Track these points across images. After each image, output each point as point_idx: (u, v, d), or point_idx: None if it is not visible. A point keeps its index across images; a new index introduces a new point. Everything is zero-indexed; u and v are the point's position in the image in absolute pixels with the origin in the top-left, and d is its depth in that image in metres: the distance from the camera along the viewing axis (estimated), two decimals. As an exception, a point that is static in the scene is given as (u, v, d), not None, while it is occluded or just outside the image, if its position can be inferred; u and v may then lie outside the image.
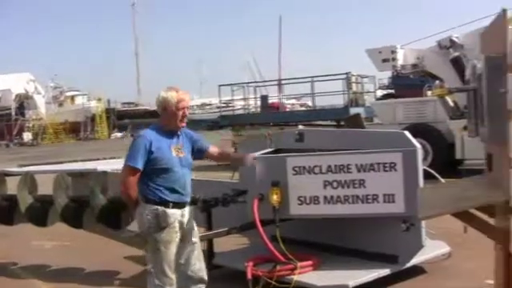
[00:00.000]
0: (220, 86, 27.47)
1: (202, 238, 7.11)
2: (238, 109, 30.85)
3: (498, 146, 3.74)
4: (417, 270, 7.31)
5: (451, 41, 17.75)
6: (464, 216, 3.80)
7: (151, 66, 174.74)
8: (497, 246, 4.36)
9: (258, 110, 27.06)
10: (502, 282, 4.25)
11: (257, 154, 7.20)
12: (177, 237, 5.49)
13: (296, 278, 6.48)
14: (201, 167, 14.48)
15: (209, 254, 7.43)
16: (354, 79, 23.94)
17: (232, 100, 29.87)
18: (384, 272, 6.70)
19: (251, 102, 27.29)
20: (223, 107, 32.32)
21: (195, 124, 48.32)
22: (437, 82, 18.12)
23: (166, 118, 5.53)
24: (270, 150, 7.48)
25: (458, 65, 16.91)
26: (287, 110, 32.27)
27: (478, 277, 6.76)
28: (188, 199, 5.64)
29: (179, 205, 5.50)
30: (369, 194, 6.62)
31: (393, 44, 19.47)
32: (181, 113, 5.47)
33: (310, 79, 24.92)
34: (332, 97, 25.68)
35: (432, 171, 7.73)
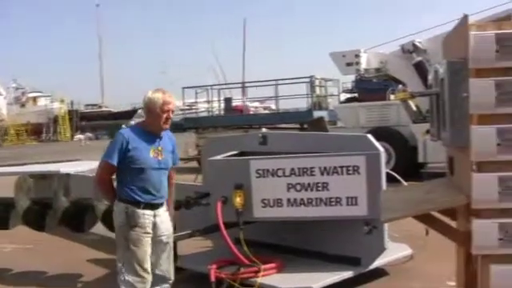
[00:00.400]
0: (184, 88, 27.42)
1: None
2: (202, 111, 30.78)
3: (459, 149, 3.79)
4: (379, 273, 7.37)
5: (414, 45, 17.92)
6: (426, 219, 3.84)
7: (115, 68, 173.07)
8: (458, 248, 4.42)
9: (222, 112, 27.02)
10: (464, 283, 4.30)
11: (220, 156, 7.22)
12: (147, 236, 5.45)
13: (260, 280, 6.48)
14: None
15: (172, 257, 7.40)
16: (317, 83, 24.04)
17: (196, 102, 29.81)
18: (347, 274, 6.74)
19: (215, 104, 27.24)
20: (187, 110, 32.24)
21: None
22: (400, 86, 18.28)
23: (150, 119, 5.51)
24: (234, 152, 7.49)
25: (420, 69, 17.06)
26: (251, 112, 32.25)
27: (440, 278, 6.84)
28: (162, 201, 5.59)
29: (151, 206, 5.47)
30: (332, 197, 6.66)
31: (357, 48, 19.60)
32: (165, 115, 5.42)
33: (273, 82, 24.99)
34: (296, 100, 25.80)
35: (395, 174, 7.79)
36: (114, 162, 5.38)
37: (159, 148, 5.50)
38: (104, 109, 76.46)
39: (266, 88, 27.30)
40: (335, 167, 6.64)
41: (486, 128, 3.32)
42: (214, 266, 6.75)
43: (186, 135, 26.88)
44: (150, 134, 5.50)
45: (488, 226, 3.35)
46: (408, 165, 16.16)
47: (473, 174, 3.36)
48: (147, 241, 5.47)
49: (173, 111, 5.54)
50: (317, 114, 22.18)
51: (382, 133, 16.33)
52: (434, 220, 3.90)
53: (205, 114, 29.24)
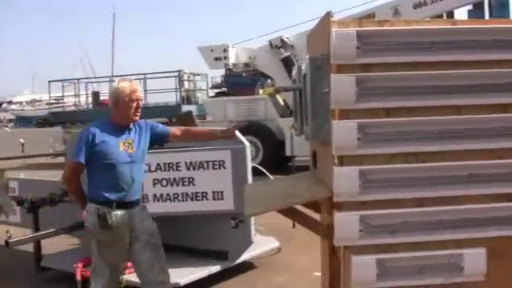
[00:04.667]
0: (50, 81, 26.71)
1: (27, 240, 6.88)
2: (70, 106, 30.10)
3: (321, 144, 3.87)
4: (247, 266, 7.45)
5: (282, 41, 18.23)
6: (290, 212, 3.89)
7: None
8: (322, 240, 4.51)
9: (90, 106, 26.50)
10: (329, 274, 4.41)
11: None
12: (122, 239, 5.05)
13: (126, 277, 6.37)
14: (30, 166, 13.96)
15: (36, 257, 7.18)
16: (186, 77, 24.05)
17: (63, 96, 29.09)
18: (215, 269, 6.78)
19: (83, 98, 26.68)
20: (54, 104, 31.40)
21: (25, 121, 46.59)
22: (268, 80, 18.54)
23: (117, 112, 5.06)
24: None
25: (288, 64, 17.35)
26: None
27: (307, 270, 6.99)
28: (136, 198, 5.15)
29: (125, 204, 5.03)
30: (198, 192, 6.68)
31: (225, 42, 19.69)
32: (134, 104, 5.01)
33: (142, 76, 24.77)
34: (165, 94, 25.67)
35: (261, 168, 7.90)
36: (81, 159, 4.94)
37: (129, 141, 5.07)
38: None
39: (135, 82, 27.02)
40: (201, 162, 6.66)
41: (347, 123, 3.39)
42: (80, 265, 6.59)
43: (52, 130, 26.22)
44: (118, 126, 5.06)
45: (349, 218, 3.42)
46: (276, 158, 16.46)
47: (334, 167, 3.43)
48: (122, 244, 5.08)
49: (141, 100, 5.15)
50: (185, 108, 22.17)
51: (249, 127, 16.53)
52: (297, 213, 3.95)
53: (72, 109, 28.61)
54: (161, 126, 5.48)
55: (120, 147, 5.00)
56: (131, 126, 5.13)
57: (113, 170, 4.95)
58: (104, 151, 4.94)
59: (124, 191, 5.01)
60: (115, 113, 5.09)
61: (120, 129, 5.07)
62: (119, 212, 4.98)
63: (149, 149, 5.32)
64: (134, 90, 5.01)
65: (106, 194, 4.96)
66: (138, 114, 5.09)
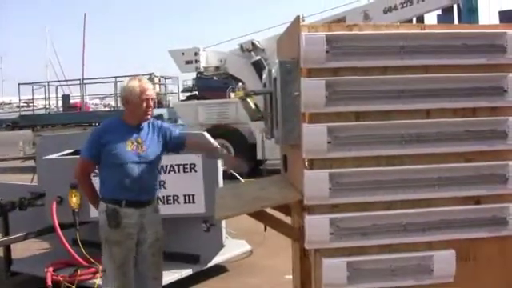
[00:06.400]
0: (20, 84, 26.49)
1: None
2: (40, 108, 29.86)
3: (292, 147, 3.88)
4: (219, 269, 7.45)
5: (253, 44, 18.22)
6: (260, 215, 3.89)
7: None
8: (293, 243, 4.53)
9: (60, 109, 26.32)
10: (299, 276, 4.43)
11: (55, 155, 7.01)
12: (130, 238, 4.96)
13: (98, 281, 6.36)
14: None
15: (6, 261, 7.12)
16: (156, 80, 23.97)
17: (33, 99, 28.88)
18: (186, 272, 6.79)
19: (53, 101, 26.50)
20: (23, 107, 31.15)
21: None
22: (240, 84, 18.54)
23: (129, 112, 4.99)
24: (69, 151, 7.28)
25: (259, 68, 17.34)
26: (91, 110, 31.65)
27: (278, 273, 7.01)
28: (148, 198, 5.07)
29: (135, 204, 4.95)
30: (169, 195, 6.68)
31: (196, 46, 19.65)
32: (145, 104, 4.91)
33: (113, 79, 24.66)
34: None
35: (232, 171, 7.90)
36: (89, 156, 4.94)
37: (138, 140, 4.97)
38: None
39: (107, 85, 26.97)
40: (172, 165, 6.66)
41: (317, 126, 3.41)
42: (51, 269, 6.58)
43: (22, 133, 26.02)
44: (128, 125, 4.99)
45: (319, 221, 3.44)
46: (247, 162, 16.42)
47: (305, 171, 3.44)
48: (129, 243, 4.98)
49: (153, 99, 5.01)
50: (156, 111, 22.08)
51: (220, 130, 16.58)
52: (268, 217, 3.96)
53: (42, 112, 28.39)
54: (177, 131, 5.41)
55: (128, 147, 4.93)
56: (143, 125, 5.06)
57: (121, 170, 4.89)
58: (111, 151, 4.89)
59: (133, 191, 4.94)
60: (127, 113, 5.04)
61: (130, 128, 5.01)
62: (128, 210, 4.94)
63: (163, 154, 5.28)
64: (144, 90, 4.92)
65: (115, 193, 4.93)
66: (150, 113, 5.03)
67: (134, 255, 5.08)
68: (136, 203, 4.98)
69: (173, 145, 5.25)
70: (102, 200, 5.02)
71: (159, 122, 5.27)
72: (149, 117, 5.04)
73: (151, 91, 5.01)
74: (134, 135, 4.99)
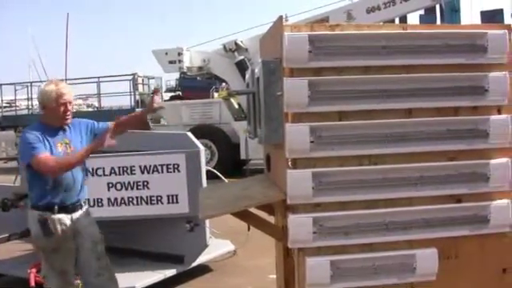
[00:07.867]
0: (2, 84, 26.33)
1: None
2: (22, 109, 29.66)
3: (275, 147, 3.89)
4: (203, 269, 7.45)
5: (236, 44, 18.24)
6: (243, 215, 3.90)
7: None
8: (277, 243, 4.54)
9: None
10: (283, 275, 4.43)
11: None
12: (67, 243, 4.85)
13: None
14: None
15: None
16: (140, 80, 23.92)
17: (15, 100, 28.70)
18: (170, 272, 6.78)
19: (35, 102, 26.31)
20: (6, 107, 30.94)
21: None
22: (223, 84, 18.54)
23: (46, 116, 4.85)
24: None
25: (242, 68, 17.37)
26: (73, 110, 31.49)
27: (262, 272, 7.01)
28: (78, 200, 4.95)
29: (66, 209, 4.83)
30: (153, 196, 6.67)
31: (179, 46, 19.63)
32: (62, 108, 4.77)
33: (96, 79, 24.58)
34: (119, 97, 25.53)
35: (215, 171, 7.91)
36: (42, 149, 4.64)
37: (66, 141, 4.85)
38: None
39: (89, 85, 26.86)
40: (155, 165, 6.65)
41: (300, 126, 3.42)
42: (34, 270, 6.52)
43: (4, 134, 25.85)
44: (51, 128, 4.82)
45: (302, 220, 3.45)
46: (231, 162, 16.44)
47: (288, 170, 3.45)
48: (67, 249, 4.88)
49: (70, 103, 4.83)
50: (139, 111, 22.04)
51: (204, 130, 16.58)
52: (252, 216, 3.96)
53: (25, 112, 28.21)
54: (101, 123, 5.27)
55: (58, 148, 4.81)
56: (65, 126, 4.93)
57: None
58: None
59: (66, 193, 4.83)
60: (45, 117, 4.91)
61: (54, 130, 4.86)
62: (61, 216, 4.82)
63: None
64: (60, 94, 4.78)
65: (48, 198, 4.78)
66: (68, 117, 4.89)
67: (78, 266, 4.99)
68: (68, 207, 4.87)
69: (102, 131, 5.05)
70: (32, 208, 4.85)
71: (77, 119, 5.13)
72: (68, 121, 4.91)
73: (68, 95, 4.83)
74: (60, 136, 4.88)
